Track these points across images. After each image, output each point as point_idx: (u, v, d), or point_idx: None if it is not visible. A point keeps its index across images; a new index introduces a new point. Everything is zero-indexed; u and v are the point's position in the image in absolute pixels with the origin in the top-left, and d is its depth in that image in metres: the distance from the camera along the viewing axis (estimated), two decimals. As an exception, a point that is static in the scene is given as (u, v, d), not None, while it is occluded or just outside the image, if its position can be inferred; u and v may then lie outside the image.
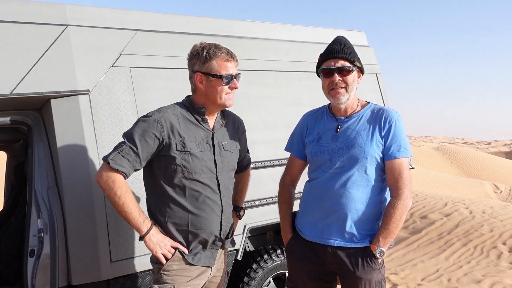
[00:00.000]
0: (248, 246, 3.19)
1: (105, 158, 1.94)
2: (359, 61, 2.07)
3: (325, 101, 2.20)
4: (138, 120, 1.99)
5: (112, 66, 2.59)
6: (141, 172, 2.11)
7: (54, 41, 2.42)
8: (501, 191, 16.19)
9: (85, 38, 2.53)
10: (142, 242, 1.98)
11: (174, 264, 2.00)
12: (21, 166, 3.66)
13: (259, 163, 3.01)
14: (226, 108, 2.14)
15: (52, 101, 2.42)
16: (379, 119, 2.05)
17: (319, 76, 2.14)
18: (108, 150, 2.25)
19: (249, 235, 3.05)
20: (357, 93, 2.14)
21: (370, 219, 2.01)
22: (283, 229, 2.24)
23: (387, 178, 2.03)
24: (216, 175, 2.06)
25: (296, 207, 2.25)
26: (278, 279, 3.27)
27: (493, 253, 5.87)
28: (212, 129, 2.11)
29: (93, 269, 2.40)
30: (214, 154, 2.06)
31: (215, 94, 2.03)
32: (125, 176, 1.95)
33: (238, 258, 2.95)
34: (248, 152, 2.46)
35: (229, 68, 2.03)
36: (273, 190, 2.61)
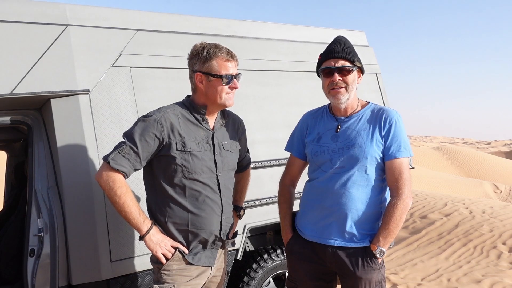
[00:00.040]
0: (248, 246, 3.19)
1: (105, 158, 1.94)
2: (359, 61, 2.07)
3: (325, 101, 2.20)
4: (138, 120, 1.99)
5: (112, 66, 2.59)
6: (141, 172, 2.11)
7: (54, 41, 2.43)
8: (501, 191, 16.20)
9: (85, 38, 2.53)
10: (142, 241, 1.98)
11: (174, 263, 2.00)
12: (21, 165, 3.66)
13: (259, 163, 3.01)
14: (226, 108, 2.15)
15: (52, 100, 2.42)
16: (379, 119, 2.05)
17: (319, 76, 2.14)
18: (108, 150, 2.25)
19: (249, 234, 3.05)
20: (357, 93, 2.14)
21: (370, 219, 2.01)
22: (283, 229, 2.24)
23: (387, 178, 2.03)
24: (216, 175, 2.06)
25: (296, 207, 2.26)
26: (278, 279, 3.27)
27: (493, 253, 5.87)
28: (212, 129, 2.11)
29: (93, 269, 2.40)
30: (214, 154, 2.06)
31: (215, 94, 2.03)
32: (125, 175, 1.95)
33: (238, 257, 2.95)
34: (248, 152, 2.46)
35: (229, 68, 2.03)
36: (273, 190, 2.61)
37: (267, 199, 3.02)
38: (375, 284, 1.99)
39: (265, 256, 3.11)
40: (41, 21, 2.41)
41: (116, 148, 1.95)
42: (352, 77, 2.05)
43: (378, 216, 2.03)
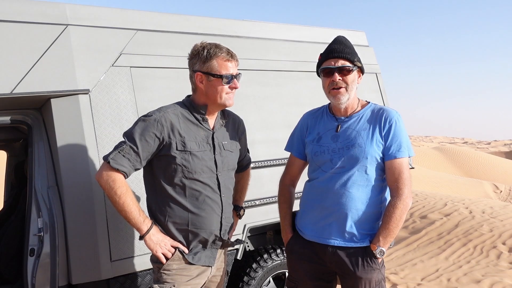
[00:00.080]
0: (248, 246, 3.19)
1: (106, 158, 1.94)
2: (359, 60, 2.07)
3: (325, 101, 2.20)
4: (139, 120, 2.00)
5: (112, 65, 2.59)
6: (141, 171, 2.11)
7: (54, 41, 2.43)
8: (501, 191, 16.21)
9: (85, 38, 2.53)
10: (142, 241, 1.98)
11: (174, 263, 2.00)
12: (21, 165, 3.66)
13: (259, 163, 3.01)
14: (226, 108, 2.15)
15: (52, 100, 2.42)
16: (379, 119, 2.05)
17: (319, 75, 2.15)
18: (108, 149, 2.25)
19: (249, 234, 3.06)
20: (357, 93, 2.14)
21: (370, 218, 2.01)
22: (283, 228, 2.24)
23: (387, 178, 2.03)
24: (217, 174, 2.06)
25: (296, 207, 2.26)
26: (278, 279, 3.27)
27: (493, 253, 5.87)
28: (212, 128, 2.11)
29: (93, 268, 2.40)
30: (214, 153, 2.06)
31: (215, 94, 2.03)
32: (126, 175, 1.96)
33: (238, 257, 2.95)
34: (248, 152, 2.46)
35: (230, 68, 2.03)
36: (273, 189, 2.62)
37: (267, 199, 3.02)
38: (375, 284, 1.99)
39: (265, 256, 3.11)
40: (41, 21, 2.41)
41: (116, 147, 1.95)
42: (352, 77, 2.05)
43: (378, 216, 2.03)
